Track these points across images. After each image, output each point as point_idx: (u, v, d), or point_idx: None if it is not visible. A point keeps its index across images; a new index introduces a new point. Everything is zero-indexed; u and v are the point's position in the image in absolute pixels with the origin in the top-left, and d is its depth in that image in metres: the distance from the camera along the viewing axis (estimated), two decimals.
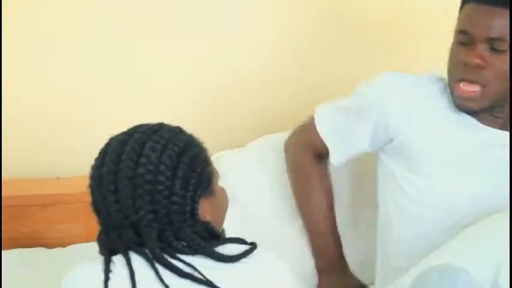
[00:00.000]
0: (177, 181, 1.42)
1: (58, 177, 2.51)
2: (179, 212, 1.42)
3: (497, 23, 1.74)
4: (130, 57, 2.56)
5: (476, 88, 1.79)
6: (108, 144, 1.47)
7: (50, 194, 2.38)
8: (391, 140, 1.95)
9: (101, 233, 1.46)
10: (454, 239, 1.73)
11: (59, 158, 2.55)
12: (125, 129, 1.50)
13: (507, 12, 1.74)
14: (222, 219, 1.55)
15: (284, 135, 2.21)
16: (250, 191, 2.21)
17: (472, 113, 1.87)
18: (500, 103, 1.84)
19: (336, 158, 2.05)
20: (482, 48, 1.76)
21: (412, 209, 1.92)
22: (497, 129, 1.88)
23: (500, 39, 1.74)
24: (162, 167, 1.42)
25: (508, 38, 1.74)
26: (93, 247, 1.46)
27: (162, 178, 1.41)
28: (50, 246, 2.33)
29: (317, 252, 2.14)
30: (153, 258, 1.39)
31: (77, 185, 2.40)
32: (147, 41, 2.56)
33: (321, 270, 2.14)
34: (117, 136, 1.48)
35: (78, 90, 2.55)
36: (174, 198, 1.42)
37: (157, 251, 1.40)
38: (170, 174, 1.42)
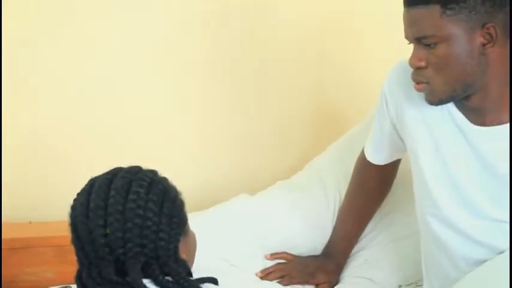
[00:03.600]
0: (163, 218, 1.50)
1: (30, 222, 2.55)
2: (165, 247, 1.49)
3: (416, 22, 1.78)
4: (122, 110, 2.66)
5: (422, 85, 1.84)
6: (91, 183, 1.53)
7: (20, 238, 2.42)
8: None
9: (81, 271, 1.50)
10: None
11: (31, 203, 2.60)
12: None
13: (425, 8, 1.77)
14: (192, 260, 1.61)
15: None
16: None
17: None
18: (464, 89, 1.82)
19: (370, 156, 2.16)
20: (418, 48, 1.81)
21: None
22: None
23: (424, 37, 1.78)
24: (150, 204, 1.49)
25: (433, 31, 1.77)
26: None
27: (150, 214, 1.48)
28: None
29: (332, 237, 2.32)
30: None
31: (48, 229, 2.47)
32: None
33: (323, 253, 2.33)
34: (99, 176, 1.54)
35: (54, 138, 2.61)
36: (161, 235, 1.49)
37: (141, 282, 1.45)
38: (157, 210, 1.49)
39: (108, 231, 1.46)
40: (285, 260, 2.30)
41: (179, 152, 2.75)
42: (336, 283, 2.30)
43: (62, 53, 2.60)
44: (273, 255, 2.29)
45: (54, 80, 2.60)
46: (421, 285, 2.24)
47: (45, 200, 2.59)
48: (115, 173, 1.53)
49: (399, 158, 2.19)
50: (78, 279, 1.49)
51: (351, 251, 2.34)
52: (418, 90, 1.85)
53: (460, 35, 1.76)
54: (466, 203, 1.90)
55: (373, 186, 2.27)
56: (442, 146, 1.91)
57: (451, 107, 1.88)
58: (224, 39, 2.72)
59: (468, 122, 1.86)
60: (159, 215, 1.49)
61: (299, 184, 2.42)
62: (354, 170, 2.28)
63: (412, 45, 1.83)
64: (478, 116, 1.85)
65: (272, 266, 2.28)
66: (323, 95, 2.85)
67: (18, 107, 2.58)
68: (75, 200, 1.52)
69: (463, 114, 1.87)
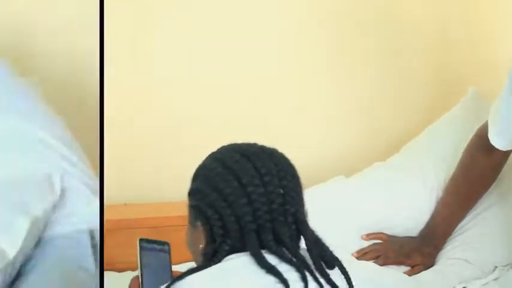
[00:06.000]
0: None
1: (125, 204, 2.61)
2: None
3: None
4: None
5: None
6: (239, 155, 1.54)
7: (116, 220, 2.47)
8: None
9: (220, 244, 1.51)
10: None
11: (126, 185, 2.65)
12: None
13: None
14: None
15: None
16: None
17: None
18: None
19: (494, 140, 2.12)
20: None
21: None
22: None
23: None
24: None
25: None
26: None
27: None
28: (120, 270, 2.41)
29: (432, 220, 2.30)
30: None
31: (143, 211, 2.56)
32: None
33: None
34: (238, 147, 1.57)
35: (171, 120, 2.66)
36: None
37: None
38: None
39: (282, 192, 1.52)
40: (380, 240, 2.31)
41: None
42: (431, 265, 2.29)
43: None
44: (369, 235, 2.31)
45: None
46: None
47: (141, 182, 2.62)
48: (250, 145, 1.58)
49: None
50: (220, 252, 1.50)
51: (450, 235, 2.32)
52: None
53: None
54: None
55: (483, 172, 2.24)
56: None
57: None
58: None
59: None
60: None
61: (396, 166, 2.43)
62: (465, 153, 2.26)
63: None
64: None
65: (368, 246, 2.29)
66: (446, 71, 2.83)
67: None
68: (217, 169, 1.54)
69: None
